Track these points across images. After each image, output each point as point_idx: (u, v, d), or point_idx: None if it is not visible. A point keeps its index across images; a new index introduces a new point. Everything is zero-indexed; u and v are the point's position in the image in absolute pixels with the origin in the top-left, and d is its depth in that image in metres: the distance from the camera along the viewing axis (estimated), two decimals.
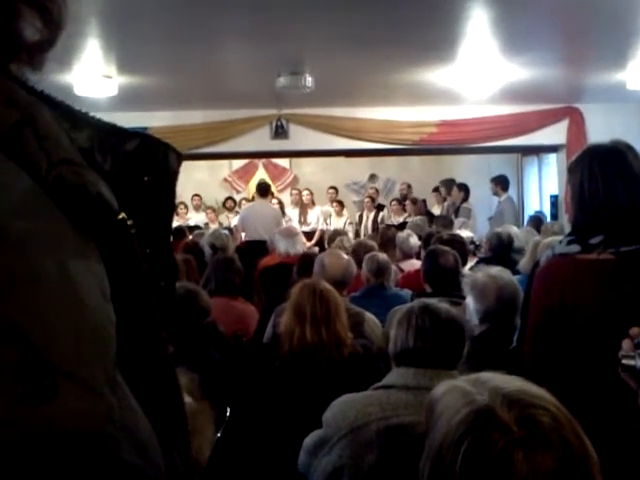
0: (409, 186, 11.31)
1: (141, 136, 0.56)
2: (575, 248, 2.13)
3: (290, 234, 5.68)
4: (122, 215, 0.49)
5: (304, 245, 6.50)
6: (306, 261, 4.22)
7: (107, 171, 0.52)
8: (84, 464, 0.39)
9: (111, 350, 0.44)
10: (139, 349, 0.50)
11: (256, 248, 7.43)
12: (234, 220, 10.08)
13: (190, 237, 7.12)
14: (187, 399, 1.42)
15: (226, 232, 6.62)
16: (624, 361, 1.48)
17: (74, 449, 0.38)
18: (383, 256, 4.25)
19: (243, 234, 8.48)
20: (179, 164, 0.58)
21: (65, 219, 0.45)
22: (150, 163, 0.56)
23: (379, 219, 10.46)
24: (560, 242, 2.24)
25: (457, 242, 4.66)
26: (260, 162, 12.81)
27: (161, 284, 0.56)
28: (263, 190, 8.61)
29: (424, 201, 10.78)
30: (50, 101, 0.52)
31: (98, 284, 0.45)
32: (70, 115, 0.53)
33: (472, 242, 5.86)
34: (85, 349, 0.41)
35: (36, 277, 0.40)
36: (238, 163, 12.78)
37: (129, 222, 0.50)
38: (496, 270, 2.98)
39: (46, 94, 0.52)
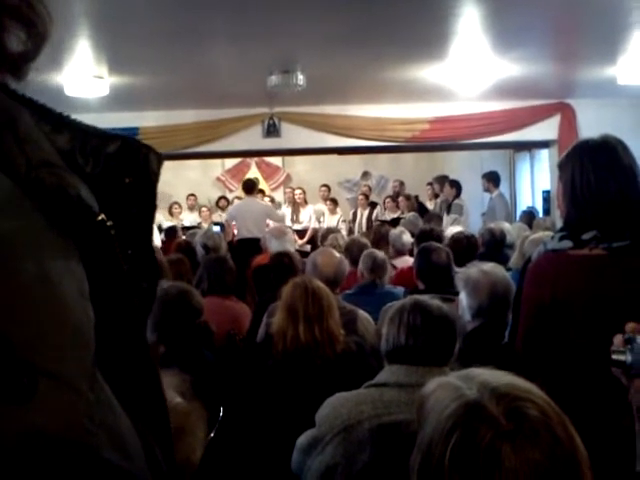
0: (402, 183, 11.33)
1: (122, 138, 0.56)
2: (567, 244, 2.13)
3: (281, 234, 5.70)
4: (101, 216, 0.50)
5: (294, 243, 6.51)
6: (280, 261, 4.24)
7: (88, 173, 0.52)
8: (64, 461, 0.39)
9: (90, 348, 0.44)
10: (120, 348, 0.50)
11: (248, 246, 7.45)
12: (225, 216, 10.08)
13: (183, 237, 7.13)
14: (178, 399, 1.42)
15: (218, 231, 6.62)
16: (614, 356, 1.49)
17: (54, 447, 0.38)
18: (380, 254, 4.26)
19: (235, 230, 8.52)
20: (160, 166, 0.59)
21: (45, 220, 0.45)
22: (131, 165, 0.56)
23: (373, 216, 10.48)
24: (552, 238, 2.24)
25: (466, 238, 4.68)
26: (253, 161, 12.81)
27: (143, 285, 0.56)
28: (249, 187, 8.66)
29: (417, 197, 10.80)
30: (31, 104, 0.52)
31: (77, 284, 0.45)
32: (51, 118, 0.53)
33: None
34: (64, 347, 0.42)
35: (16, 277, 0.41)
36: (231, 162, 12.78)
37: (109, 223, 0.50)
38: (489, 266, 2.99)
39: (27, 98, 0.53)
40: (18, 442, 0.37)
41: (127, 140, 0.57)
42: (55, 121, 0.53)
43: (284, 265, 4.14)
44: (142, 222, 0.58)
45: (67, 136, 0.53)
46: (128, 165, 0.56)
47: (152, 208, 0.59)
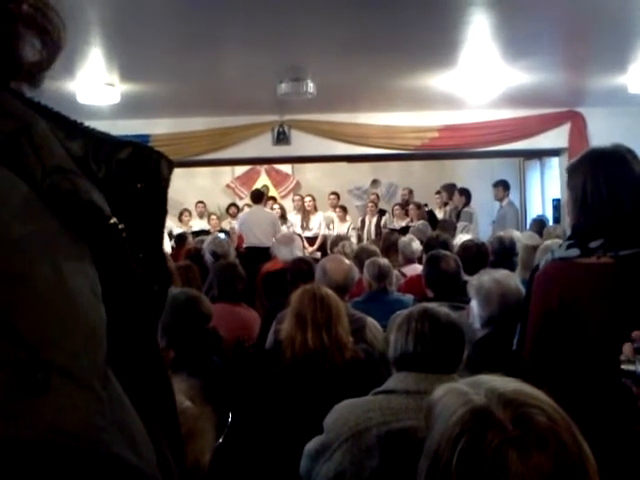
0: (411, 191, 11.33)
1: (134, 145, 0.57)
2: (574, 252, 2.13)
3: (288, 241, 5.72)
4: (113, 220, 0.51)
5: (303, 250, 6.53)
6: (298, 268, 4.25)
7: (101, 179, 0.54)
8: (77, 458, 0.39)
9: (102, 347, 0.45)
10: (131, 350, 0.51)
11: (256, 254, 7.49)
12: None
13: (192, 243, 7.15)
14: (187, 403, 1.43)
15: (225, 237, 6.65)
16: (624, 366, 1.48)
17: (66, 442, 0.39)
18: (384, 261, 4.26)
19: (242, 234, 8.58)
20: (170, 172, 0.60)
21: (58, 224, 0.46)
22: (142, 171, 0.57)
23: (382, 224, 10.47)
24: (560, 246, 2.24)
25: (476, 246, 4.65)
26: (262, 168, 12.83)
27: (154, 288, 0.57)
28: (257, 197, 8.75)
29: (426, 205, 10.79)
30: (46, 111, 0.54)
31: (90, 285, 0.47)
32: (65, 125, 0.55)
33: None
34: (77, 345, 0.43)
35: (31, 277, 0.42)
36: (241, 169, 12.80)
37: (120, 226, 0.51)
38: (502, 275, 2.97)
39: (42, 105, 0.54)
40: (28, 437, 0.38)
41: (138, 146, 0.58)
42: (69, 128, 0.55)
43: (302, 272, 4.15)
44: (153, 227, 0.59)
45: (80, 143, 0.54)
46: (139, 171, 0.57)
47: (163, 213, 0.60)
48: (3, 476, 0.37)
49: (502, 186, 9.28)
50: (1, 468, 0.37)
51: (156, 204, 0.59)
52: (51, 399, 0.39)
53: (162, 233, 0.61)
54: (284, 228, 9.49)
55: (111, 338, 0.46)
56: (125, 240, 0.51)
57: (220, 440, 1.69)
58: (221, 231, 9.56)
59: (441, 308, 2.17)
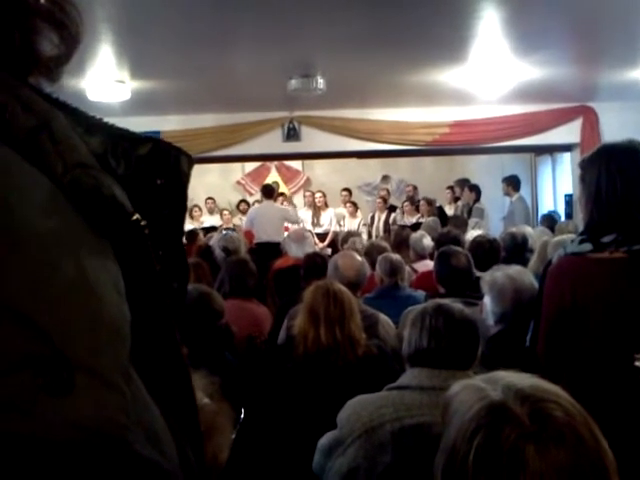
0: (415, 188, 11.27)
1: (153, 141, 0.57)
2: (587, 247, 2.13)
3: (300, 238, 5.71)
4: (136, 216, 0.50)
5: (314, 247, 6.52)
6: (312, 262, 4.25)
7: (120, 175, 0.53)
8: (100, 456, 0.39)
9: (126, 345, 0.45)
10: (153, 348, 0.51)
11: (266, 250, 7.49)
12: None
13: (203, 239, 7.17)
14: (206, 400, 1.43)
15: (235, 234, 6.67)
16: (637, 363, 1.48)
17: (91, 440, 0.39)
18: (396, 256, 4.25)
19: (252, 230, 8.58)
20: (190, 167, 0.60)
21: (81, 220, 0.46)
22: (162, 167, 0.57)
23: (391, 220, 10.45)
24: (572, 241, 2.24)
25: (489, 242, 4.63)
26: (273, 164, 12.84)
27: (174, 285, 0.57)
28: (268, 192, 8.75)
29: (435, 201, 10.75)
30: (65, 107, 0.53)
31: (113, 282, 0.46)
32: (84, 120, 0.54)
33: None
34: (101, 343, 0.42)
35: (55, 273, 0.42)
36: (251, 166, 12.82)
37: (143, 223, 0.51)
38: (516, 271, 2.95)
39: (61, 101, 0.54)
40: (52, 435, 0.37)
41: (158, 142, 0.58)
42: (88, 124, 0.54)
43: (317, 266, 4.15)
44: (173, 223, 0.59)
45: (99, 138, 0.54)
46: (159, 167, 0.57)
47: (183, 209, 0.60)
48: (27, 474, 0.37)
49: (510, 181, 9.24)
50: (25, 466, 0.37)
51: (176, 200, 0.58)
52: (75, 397, 0.39)
53: (182, 229, 0.60)
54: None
55: (133, 336, 0.46)
56: (147, 237, 0.51)
57: (233, 436, 1.69)
58: (228, 228, 9.58)
59: (455, 304, 2.17)
